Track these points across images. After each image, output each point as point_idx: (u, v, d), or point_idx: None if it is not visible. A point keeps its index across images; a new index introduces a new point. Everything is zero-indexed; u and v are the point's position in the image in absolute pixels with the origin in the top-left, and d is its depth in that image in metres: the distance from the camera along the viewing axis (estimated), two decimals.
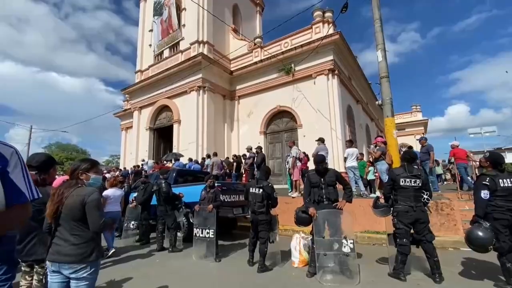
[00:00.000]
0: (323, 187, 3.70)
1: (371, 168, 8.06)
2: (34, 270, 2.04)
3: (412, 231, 3.39)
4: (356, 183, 7.05)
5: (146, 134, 16.26)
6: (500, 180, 2.95)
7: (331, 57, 11.91)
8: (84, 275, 1.71)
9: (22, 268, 2.19)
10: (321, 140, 7.98)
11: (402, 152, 4.18)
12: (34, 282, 2.02)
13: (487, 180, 3.00)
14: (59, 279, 1.70)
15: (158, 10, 16.58)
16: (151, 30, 17.31)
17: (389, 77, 6.59)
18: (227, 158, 12.00)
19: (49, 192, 1.99)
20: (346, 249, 3.36)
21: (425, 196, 3.36)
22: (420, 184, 3.35)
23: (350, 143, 7.86)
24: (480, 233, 2.90)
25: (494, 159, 3.17)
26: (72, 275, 1.69)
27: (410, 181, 3.35)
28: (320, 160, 3.84)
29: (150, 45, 17.18)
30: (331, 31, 11.78)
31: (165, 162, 12.04)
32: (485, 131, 12.19)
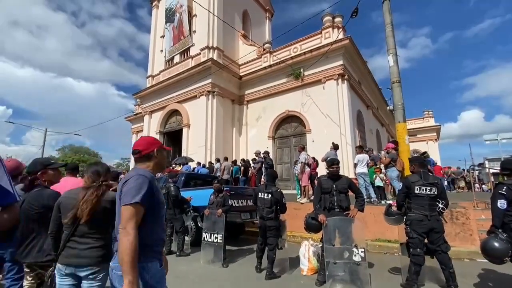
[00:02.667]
0: (335, 193, 3.63)
1: (381, 175, 7.90)
2: (34, 272, 2.08)
3: (426, 240, 3.28)
4: (366, 189, 6.91)
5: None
6: None
7: (340, 62, 11.84)
8: (100, 276, 1.74)
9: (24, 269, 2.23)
10: (334, 147, 7.88)
11: (411, 158, 4.07)
12: (25, 282, 2.07)
13: (503, 190, 2.88)
14: (70, 282, 1.72)
15: (169, 17, 16.94)
16: (162, 36, 17.68)
17: (400, 82, 6.48)
18: (235, 161, 12.03)
19: (50, 194, 2.05)
20: (357, 258, 3.27)
21: (441, 205, 3.25)
22: (436, 193, 3.24)
23: (360, 149, 7.75)
24: (496, 244, 2.79)
25: (502, 166, 3.08)
26: (90, 277, 1.70)
27: (426, 189, 3.25)
28: (332, 162, 3.78)
29: (162, 50, 17.54)
30: (341, 36, 11.73)
31: (174, 165, 12.16)
32: (502, 137, 11.80)
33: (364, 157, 7.21)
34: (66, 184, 2.52)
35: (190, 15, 15.98)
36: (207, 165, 11.60)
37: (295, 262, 4.30)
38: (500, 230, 2.87)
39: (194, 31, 15.56)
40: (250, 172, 10.31)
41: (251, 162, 10.70)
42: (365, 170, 7.03)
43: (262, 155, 9.82)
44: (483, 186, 20.06)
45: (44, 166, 2.25)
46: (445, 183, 13.42)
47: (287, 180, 12.87)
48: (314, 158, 8.45)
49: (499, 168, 3.21)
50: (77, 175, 3.28)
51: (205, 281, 3.78)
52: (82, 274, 1.70)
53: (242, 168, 10.57)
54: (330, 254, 3.40)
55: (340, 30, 12.16)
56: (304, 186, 7.63)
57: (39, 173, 2.20)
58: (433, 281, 3.52)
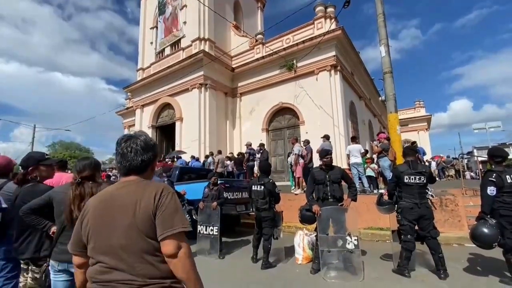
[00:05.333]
0: (328, 184, 3.68)
1: (373, 165, 8.03)
2: (29, 268, 2.06)
3: (416, 227, 3.37)
4: (360, 179, 7.02)
5: (148, 132, 16.27)
6: (507, 176, 2.92)
7: (333, 53, 11.80)
8: None
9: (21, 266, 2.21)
10: (326, 137, 7.96)
11: (403, 148, 4.16)
12: (29, 280, 2.05)
13: (493, 177, 2.96)
14: (65, 278, 1.71)
15: (161, 9, 16.52)
16: (152, 28, 17.26)
17: (392, 72, 6.52)
18: (231, 153, 12.03)
19: (44, 189, 2.01)
20: (350, 246, 3.36)
21: (430, 193, 3.34)
22: (424, 181, 3.32)
23: (353, 139, 7.85)
24: (485, 230, 2.88)
25: (490, 154, 3.18)
26: None
27: (415, 178, 3.32)
28: (326, 153, 3.82)
29: (152, 42, 17.14)
30: (333, 26, 11.66)
31: (167, 160, 12.08)
32: (489, 126, 12.06)
33: (356, 147, 7.29)
34: (61, 180, 2.49)
35: (180, 5, 15.61)
36: (202, 158, 11.58)
37: (290, 251, 4.37)
38: (489, 216, 2.97)
39: (185, 22, 15.22)
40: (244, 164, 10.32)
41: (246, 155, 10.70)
42: (357, 160, 7.12)
43: (256, 148, 9.85)
44: (471, 173, 20.60)
45: (37, 161, 2.20)
46: (436, 172, 13.84)
47: (282, 172, 12.96)
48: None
49: (486, 156, 3.30)
50: (67, 170, 3.23)
51: (202, 273, 3.80)
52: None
53: (232, 161, 10.55)
54: (324, 243, 3.48)
55: (333, 20, 12.06)
56: (298, 178, 7.70)
57: (30, 168, 2.16)
58: (423, 265, 3.63)
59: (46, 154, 2.34)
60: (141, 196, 1.03)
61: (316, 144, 8.10)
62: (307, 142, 8.20)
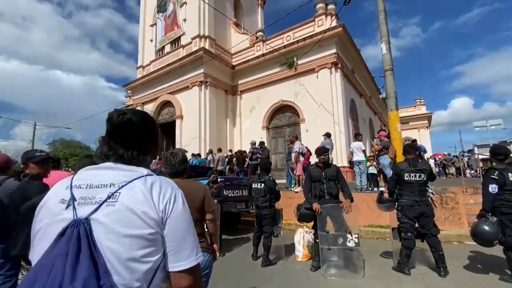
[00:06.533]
0: (324, 181, 3.67)
1: (375, 163, 8.01)
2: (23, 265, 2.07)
3: (416, 225, 3.37)
4: (361, 177, 7.02)
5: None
6: (509, 174, 2.91)
7: (334, 50, 11.75)
8: None
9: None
10: (327, 135, 7.96)
11: (404, 146, 4.14)
12: (20, 276, 2.06)
13: (495, 174, 2.95)
14: None
15: (162, 7, 16.44)
16: (152, 25, 17.18)
17: (393, 70, 6.49)
18: (230, 150, 12.03)
19: (35, 185, 2.03)
20: (350, 244, 3.36)
21: (430, 191, 3.34)
22: (424, 179, 3.31)
23: (356, 136, 7.83)
24: (486, 228, 2.88)
25: (492, 151, 3.17)
26: None
27: (415, 176, 3.31)
28: (322, 151, 3.80)
29: (152, 40, 17.08)
30: (334, 23, 11.59)
31: None
32: (490, 124, 12.01)
33: (356, 145, 7.27)
34: (55, 177, 2.49)
35: (179, 2, 15.53)
36: (203, 156, 11.61)
37: (290, 249, 4.38)
38: (490, 214, 2.96)
39: (185, 20, 15.15)
40: (247, 163, 10.31)
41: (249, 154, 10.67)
42: (359, 158, 7.09)
43: (258, 146, 9.84)
44: (472, 171, 20.59)
45: (26, 159, 2.22)
46: (436, 169, 13.88)
47: (282, 170, 12.94)
48: (307, 148, 8.50)
49: (488, 154, 3.30)
50: (69, 170, 3.24)
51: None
52: None
53: (234, 159, 10.55)
54: (324, 241, 3.48)
55: (333, 17, 12.00)
56: (299, 175, 7.69)
57: (23, 166, 2.19)
58: (423, 263, 3.64)
59: (41, 151, 2.34)
60: (196, 189, 1.88)
61: (317, 142, 8.09)
62: (291, 141, 8.25)
